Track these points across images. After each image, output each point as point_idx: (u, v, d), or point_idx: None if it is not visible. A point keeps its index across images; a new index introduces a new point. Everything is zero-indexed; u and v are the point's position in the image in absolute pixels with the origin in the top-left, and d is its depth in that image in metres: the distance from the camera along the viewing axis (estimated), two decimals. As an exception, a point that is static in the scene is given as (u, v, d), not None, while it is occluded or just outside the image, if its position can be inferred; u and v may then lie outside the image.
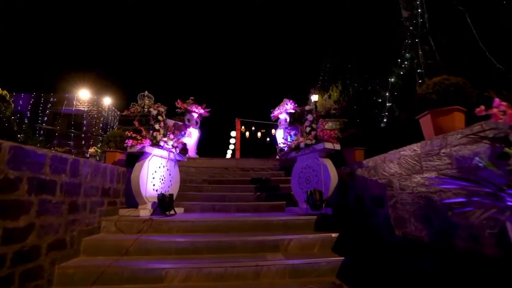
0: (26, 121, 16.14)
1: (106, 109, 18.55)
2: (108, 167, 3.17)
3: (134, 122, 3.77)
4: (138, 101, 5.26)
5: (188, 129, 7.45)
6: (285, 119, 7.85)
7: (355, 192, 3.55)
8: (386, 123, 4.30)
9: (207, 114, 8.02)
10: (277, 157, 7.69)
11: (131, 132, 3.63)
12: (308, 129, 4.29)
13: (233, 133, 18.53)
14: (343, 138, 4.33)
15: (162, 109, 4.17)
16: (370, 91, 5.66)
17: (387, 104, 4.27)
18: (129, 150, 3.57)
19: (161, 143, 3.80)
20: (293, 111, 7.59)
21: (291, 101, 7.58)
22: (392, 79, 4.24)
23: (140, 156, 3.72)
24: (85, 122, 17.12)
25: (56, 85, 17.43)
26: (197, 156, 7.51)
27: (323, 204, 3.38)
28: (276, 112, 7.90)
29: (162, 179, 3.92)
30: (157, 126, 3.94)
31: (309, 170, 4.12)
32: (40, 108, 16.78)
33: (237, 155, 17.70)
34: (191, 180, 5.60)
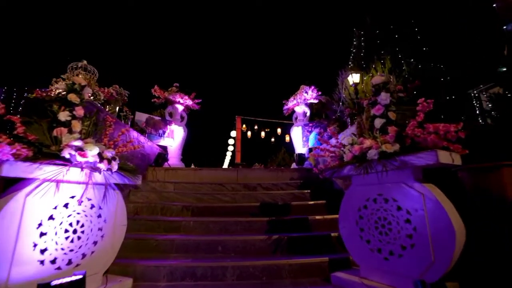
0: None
1: (90, 106, 16.48)
2: None
3: (-3, 105, 1.67)
4: (69, 76, 3.23)
5: (169, 126, 5.34)
6: (304, 113, 5.73)
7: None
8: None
9: (197, 107, 5.91)
10: (295, 165, 5.59)
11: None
12: (379, 122, 2.17)
13: (232, 133, 16.41)
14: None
15: (81, 81, 2.06)
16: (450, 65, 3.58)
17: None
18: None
19: (65, 153, 1.68)
20: (315, 101, 5.47)
21: (312, 87, 5.46)
22: None
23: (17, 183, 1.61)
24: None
25: (33, 78, 15.29)
26: (182, 165, 5.39)
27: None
28: (290, 103, 5.78)
29: (73, 233, 1.78)
30: (62, 117, 1.82)
31: (386, 206, 2.00)
32: (12, 103, 14.69)
33: (238, 158, 15.56)
34: (164, 208, 3.48)
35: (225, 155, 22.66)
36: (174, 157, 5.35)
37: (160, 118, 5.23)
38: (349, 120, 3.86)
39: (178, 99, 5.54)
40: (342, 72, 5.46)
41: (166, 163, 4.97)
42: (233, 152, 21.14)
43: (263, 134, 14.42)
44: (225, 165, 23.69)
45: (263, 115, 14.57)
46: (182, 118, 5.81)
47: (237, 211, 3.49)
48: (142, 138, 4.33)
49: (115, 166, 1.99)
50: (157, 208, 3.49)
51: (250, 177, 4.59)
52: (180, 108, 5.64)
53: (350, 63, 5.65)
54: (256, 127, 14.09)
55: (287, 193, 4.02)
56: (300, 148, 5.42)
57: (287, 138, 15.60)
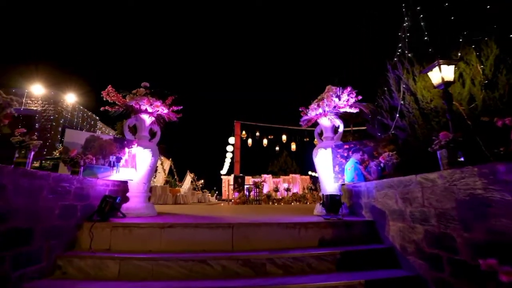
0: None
1: (70, 109, 14.60)
2: None
3: None
4: None
5: (129, 149, 3.48)
6: (333, 127, 3.88)
7: None
8: None
9: (174, 118, 4.05)
10: (322, 210, 3.71)
11: None
12: None
13: (231, 140, 14.54)
14: None
15: None
16: None
17: None
18: None
19: None
20: (353, 110, 3.62)
21: (348, 89, 3.60)
22: None
23: None
24: (37, 125, 13.13)
25: None
26: (149, 208, 3.52)
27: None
28: (312, 113, 3.91)
29: None
30: None
31: None
32: (-23, 107, 12.81)
33: (236, 169, 13.70)
34: None
35: (224, 161, 20.86)
36: (137, 196, 3.49)
37: (112, 137, 3.36)
38: (447, 154, 2.00)
39: (145, 106, 3.68)
40: (393, 65, 3.60)
41: (118, 212, 3.13)
42: (232, 159, 19.28)
43: (265, 141, 12.56)
44: (224, 171, 21.89)
45: (266, 120, 12.72)
46: (152, 134, 3.95)
47: None
48: (64, 179, 2.49)
49: None
50: None
51: (254, 240, 2.74)
52: (148, 120, 3.78)
53: (399, 50, 3.78)
54: (257, 134, 12.23)
55: (324, 286, 2.17)
56: (330, 182, 3.56)
57: (293, 147, 13.78)
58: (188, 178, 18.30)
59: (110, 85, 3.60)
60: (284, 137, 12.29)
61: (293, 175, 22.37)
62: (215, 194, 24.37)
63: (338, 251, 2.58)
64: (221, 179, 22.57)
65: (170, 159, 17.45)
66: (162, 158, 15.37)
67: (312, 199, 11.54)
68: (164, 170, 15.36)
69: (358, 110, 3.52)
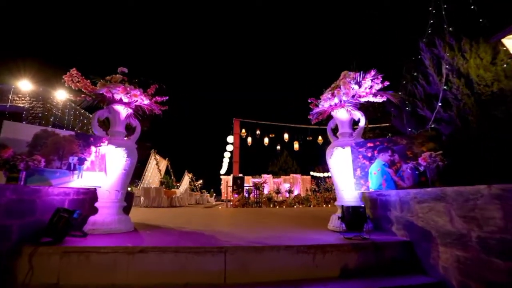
0: None
1: (60, 106, 13.92)
2: None
3: None
4: None
5: (97, 147, 2.78)
6: (351, 121, 3.18)
7: None
8: None
9: (158, 110, 3.35)
10: (341, 225, 2.96)
11: None
12: None
13: (230, 138, 13.83)
14: None
15: None
16: None
17: None
18: None
19: None
20: (379, 99, 2.91)
21: (371, 73, 2.87)
22: None
23: None
24: (25, 123, 12.48)
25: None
26: (124, 221, 2.81)
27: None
28: (325, 103, 3.19)
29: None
30: None
31: None
32: (-40, 104, 12.10)
33: (235, 170, 13.00)
34: None
35: (222, 161, 20.19)
36: (106, 207, 2.78)
37: (73, 133, 2.65)
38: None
39: (120, 95, 2.97)
40: (428, 43, 2.88)
41: (86, 224, 2.43)
42: (230, 159, 18.58)
43: (266, 140, 11.84)
44: (223, 171, 21.20)
45: (266, 118, 12.02)
46: (130, 131, 3.24)
47: None
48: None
49: None
50: None
51: (254, 270, 2.04)
52: (123, 112, 3.07)
53: (430, 26, 3.06)
54: (258, 132, 11.52)
55: None
56: (349, 189, 2.85)
57: (296, 146, 13.07)
58: (186, 178, 17.62)
59: (74, 68, 2.89)
60: (286, 136, 11.58)
61: (294, 175, 21.71)
62: (214, 195, 23.73)
63: (368, 285, 1.88)
64: (220, 179, 21.91)
65: (167, 158, 16.76)
66: (158, 157, 14.69)
67: (316, 202, 10.86)
68: (160, 171, 14.67)
69: (385, 99, 2.81)
